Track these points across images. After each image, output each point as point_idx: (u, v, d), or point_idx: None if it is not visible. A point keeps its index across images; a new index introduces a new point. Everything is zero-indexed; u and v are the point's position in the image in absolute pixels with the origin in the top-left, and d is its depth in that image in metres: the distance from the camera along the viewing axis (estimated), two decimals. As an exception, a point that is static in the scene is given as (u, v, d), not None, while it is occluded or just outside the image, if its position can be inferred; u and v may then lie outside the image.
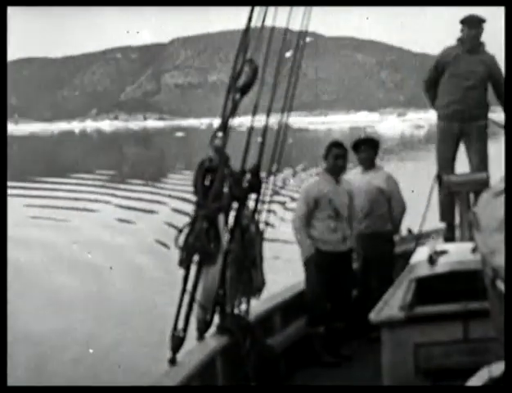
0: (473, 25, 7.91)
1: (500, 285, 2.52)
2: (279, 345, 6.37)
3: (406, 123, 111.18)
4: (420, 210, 7.39)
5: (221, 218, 5.52)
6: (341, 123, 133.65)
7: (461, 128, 7.93)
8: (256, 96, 5.80)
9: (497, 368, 2.82)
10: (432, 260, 5.75)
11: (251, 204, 5.83)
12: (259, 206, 5.88)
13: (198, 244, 5.36)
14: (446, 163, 7.84)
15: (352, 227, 7.15)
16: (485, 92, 7.99)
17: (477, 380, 2.87)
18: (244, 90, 5.57)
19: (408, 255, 6.55)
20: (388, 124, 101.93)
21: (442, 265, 5.71)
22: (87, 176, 38.01)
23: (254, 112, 5.66)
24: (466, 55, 7.94)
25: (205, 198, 5.43)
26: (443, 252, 5.90)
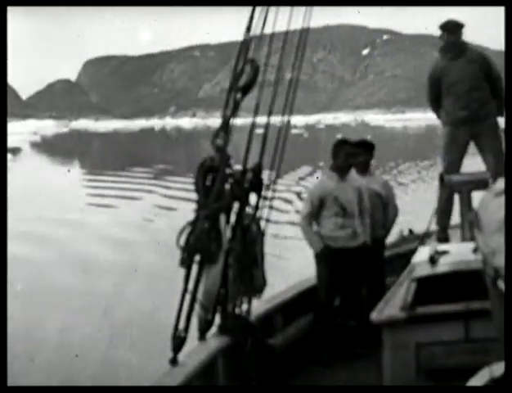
0: (452, 31, 7.77)
1: (501, 285, 2.50)
2: (280, 344, 6.34)
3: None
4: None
5: (222, 217, 5.51)
6: (417, 120, 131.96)
7: (471, 131, 7.74)
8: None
9: (498, 368, 2.78)
10: (433, 260, 5.67)
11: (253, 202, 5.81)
12: (260, 205, 5.84)
13: (199, 244, 5.35)
14: (452, 167, 7.64)
15: (365, 222, 7.06)
16: (487, 89, 7.78)
17: (478, 380, 2.83)
18: (246, 90, 5.56)
19: (409, 254, 6.45)
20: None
21: (443, 265, 5.64)
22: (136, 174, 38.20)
23: (256, 112, 5.66)
24: (453, 62, 7.77)
25: (206, 198, 5.43)
26: (444, 252, 5.81)
